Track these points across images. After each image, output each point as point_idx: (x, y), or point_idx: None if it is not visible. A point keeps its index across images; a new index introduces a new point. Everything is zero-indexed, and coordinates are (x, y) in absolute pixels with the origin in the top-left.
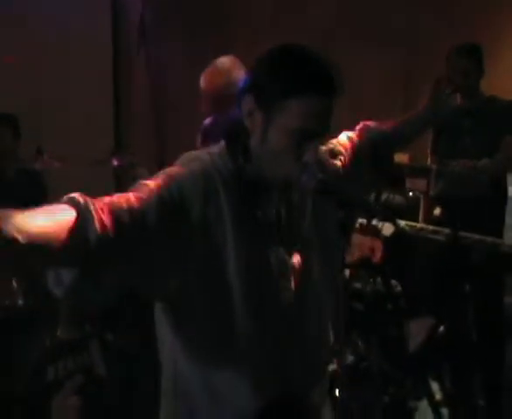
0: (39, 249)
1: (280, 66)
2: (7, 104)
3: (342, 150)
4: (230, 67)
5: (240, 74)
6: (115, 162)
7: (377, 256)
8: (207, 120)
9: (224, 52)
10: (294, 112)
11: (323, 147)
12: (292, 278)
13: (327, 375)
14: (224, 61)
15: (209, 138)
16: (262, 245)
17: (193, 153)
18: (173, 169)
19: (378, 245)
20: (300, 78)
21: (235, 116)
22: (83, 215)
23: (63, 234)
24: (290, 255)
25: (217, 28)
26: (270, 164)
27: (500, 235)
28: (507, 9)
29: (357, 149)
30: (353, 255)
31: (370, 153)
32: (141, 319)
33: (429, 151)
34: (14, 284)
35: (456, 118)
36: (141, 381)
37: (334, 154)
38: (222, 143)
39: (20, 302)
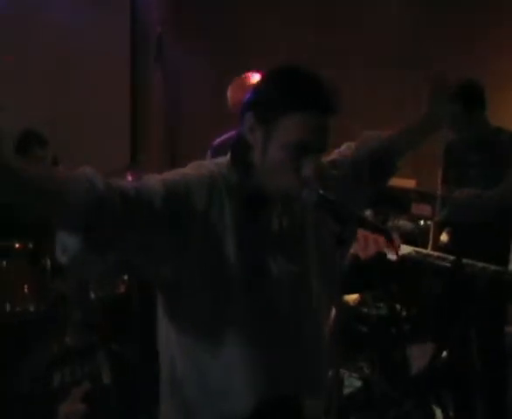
0: (46, 181)
1: (277, 86)
2: (22, 116)
3: (343, 160)
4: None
5: None
6: (129, 177)
7: (394, 251)
8: (217, 140)
9: (239, 66)
10: (290, 128)
11: (324, 160)
12: (290, 286)
13: (325, 390)
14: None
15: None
16: (262, 252)
17: (201, 162)
18: (181, 170)
19: (395, 240)
20: (297, 96)
21: (240, 132)
22: (90, 172)
23: (71, 179)
24: (289, 264)
25: (233, 43)
26: (271, 178)
27: (505, 261)
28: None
29: (356, 158)
30: (369, 250)
31: (367, 160)
32: (147, 332)
33: (439, 181)
34: (26, 290)
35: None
36: (143, 390)
37: (334, 165)
38: (228, 156)
39: (32, 308)
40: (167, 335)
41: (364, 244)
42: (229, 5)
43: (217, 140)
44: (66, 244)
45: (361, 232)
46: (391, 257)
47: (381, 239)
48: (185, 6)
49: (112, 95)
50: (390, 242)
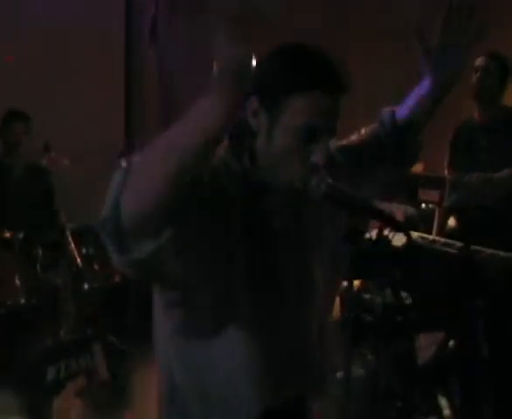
0: None
1: (282, 64)
2: (16, 101)
3: (351, 147)
4: None
5: None
6: (124, 163)
7: (400, 216)
8: None
9: None
10: (298, 109)
11: (333, 145)
12: (294, 281)
13: (327, 388)
14: None
15: None
16: (265, 245)
17: None
18: None
19: (402, 209)
20: (304, 74)
21: (241, 117)
22: None
23: None
24: (293, 257)
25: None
26: (277, 166)
27: None
28: None
29: (364, 144)
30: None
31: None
32: (145, 323)
33: (445, 165)
34: (17, 282)
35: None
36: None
37: (343, 151)
38: (225, 143)
39: (22, 300)
40: (165, 343)
41: None
42: None
43: None
44: (141, 240)
45: None
46: (397, 242)
47: (390, 207)
48: None
49: (106, 80)
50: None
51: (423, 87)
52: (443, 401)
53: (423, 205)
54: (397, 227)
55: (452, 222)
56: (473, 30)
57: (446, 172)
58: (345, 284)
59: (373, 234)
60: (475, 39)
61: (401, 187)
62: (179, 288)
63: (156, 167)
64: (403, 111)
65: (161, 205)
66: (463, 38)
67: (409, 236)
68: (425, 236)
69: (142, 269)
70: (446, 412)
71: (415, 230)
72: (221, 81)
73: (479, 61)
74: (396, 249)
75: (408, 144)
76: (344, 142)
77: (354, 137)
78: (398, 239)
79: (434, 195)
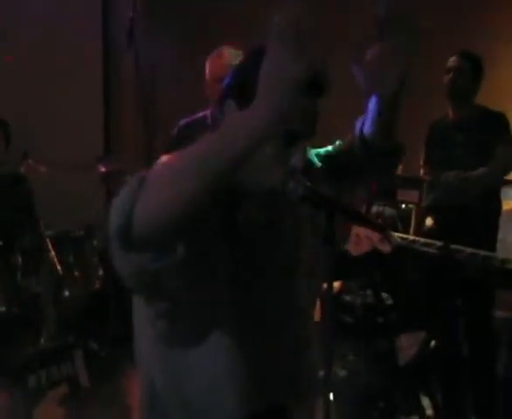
0: None
1: (259, 66)
2: None
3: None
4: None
5: None
6: (102, 169)
7: (387, 247)
8: (184, 120)
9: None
10: None
11: (310, 149)
12: (274, 282)
13: (314, 392)
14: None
15: (188, 138)
16: (244, 246)
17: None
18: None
19: (387, 236)
20: None
21: (218, 120)
22: None
23: None
24: (273, 259)
25: (205, 30)
26: (254, 171)
27: (493, 247)
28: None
29: (342, 152)
30: (362, 248)
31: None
32: (127, 329)
33: (421, 162)
34: None
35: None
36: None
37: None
38: None
39: (3, 309)
40: (147, 349)
41: (356, 241)
42: None
43: (185, 121)
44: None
45: (353, 228)
46: (383, 248)
47: (374, 236)
48: None
49: (84, 87)
50: (383, 236)
51: (372, 103)
52: (425, 401)
53: (402, 205)
54: (376, 229)
55: (429, 221)
56: (404, 44)
57: (421, 170)
58: (325, 285)
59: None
60: (407, 53)
61: (387, 191)
62: (169, 299)
63: (181, 183)
64: (367, 125)
65: (178, 220)
66: (397, 52)
67: (389, 239)
68: (405, 236)
69: (149, 281)
70: (429, 412)
71: (394, 231)
72: (269, 96)
73: (452, 61)
74: (376, 250)
75: (384, 152)
76: (321, 151)
77: (331, 148)
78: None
79: (413, 195)
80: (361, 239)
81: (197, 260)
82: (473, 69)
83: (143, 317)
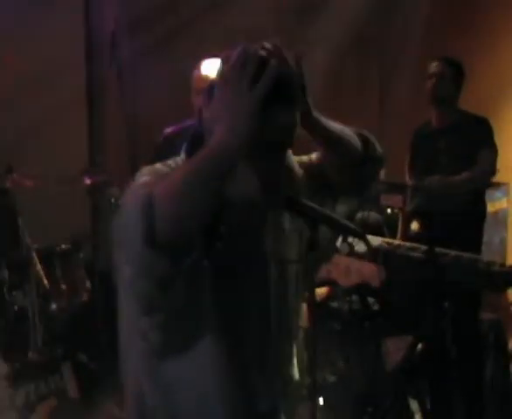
0: None
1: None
2: None
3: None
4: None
5: None
6: (87, 181)
7: (377, 281)
8: (168, 130)
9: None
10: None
11: (292, 158)
12: (260, 291)
13: (299, 402)
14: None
15: (174, 147)
16: (230, 257)
17: (154, 166)
18: (142, 179)
19: (377, 270)
20: None
21: (197, 129)
22: None
23: None
24: (258, 268)
25: (192, 45)
26: (233, 181)
27: (479, 250)
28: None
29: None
30: (351, 280)
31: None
32: (115, 340)
33: (406, 168)
34: None
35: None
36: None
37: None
38: (183, 155)
39: None
40: (135, 364)
41: (346, 273)
42: None
43: (170, 129)
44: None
45: (343, 259)
46: (373, 283)
47: (365, 269)
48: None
49: (67, 98)
50: (374, 270)
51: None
52: (414, 405)
53: (388, 210)
54: (358, 237)
55: (415, 225)
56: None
57: (406, 174)
58: (311, 292)
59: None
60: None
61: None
62: (169, 309)
63: (196, 191)
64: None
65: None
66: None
67: (369, 246)
68: (390, 241)
69: (162, 284)
70: (418, 416)
71: (381, 236)
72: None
73: (434, 67)
74: (359, 255)
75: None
76: (304, 159)
77: (314, 156)
78: (362, 245)
79: (397, 200)
80: (350, 272)
81: (186, 272)
82: (456, 74)
83: (134, 331)
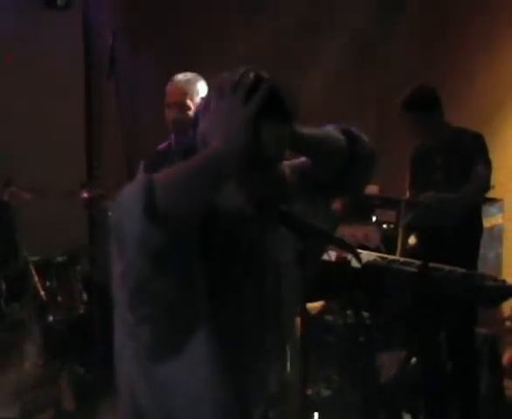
0: None
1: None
2: None
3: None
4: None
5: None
6: (85, 194)
7: (373, 242)
8: (161, 146)
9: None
10: None
11: (284, 167)
12: (254, 296)
13: (291, 405)
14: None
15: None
16: (224, 264)
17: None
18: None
19: (372, 231)
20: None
21: (190, 143)
22: None
23: None
24: (253, 274)
25: (189, 57)
26: (226, 193)
27: (474, 265)
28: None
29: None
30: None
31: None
32: (112, 352)
33: (407, 185)
34: None
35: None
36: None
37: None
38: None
39: None
40: (129, 368)
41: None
42: (185, 9)
43: (161, 146)
44: None
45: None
46: (355, 264)
47: (359, 232)
48: (139, 13)
49: (66, 111)
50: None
51: None
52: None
53: (384, 226)
54: (348, 250)
55: (412, 240)
56: None
57: (407, 191)
58: (304, 305)
59: (332, 256)
60: None
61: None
62: (153, 302)
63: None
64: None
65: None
66: None
67: (359, 259)
68: (384, 256)
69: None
70: None
71: (378, 251)
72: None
73: (402, 117)
74: (355, 270)
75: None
76: (296, 162)
77: (304, 158)
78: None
79: (390, 215)
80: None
81: (180, 273)
82: (420, 110)
83: (125, 333)
